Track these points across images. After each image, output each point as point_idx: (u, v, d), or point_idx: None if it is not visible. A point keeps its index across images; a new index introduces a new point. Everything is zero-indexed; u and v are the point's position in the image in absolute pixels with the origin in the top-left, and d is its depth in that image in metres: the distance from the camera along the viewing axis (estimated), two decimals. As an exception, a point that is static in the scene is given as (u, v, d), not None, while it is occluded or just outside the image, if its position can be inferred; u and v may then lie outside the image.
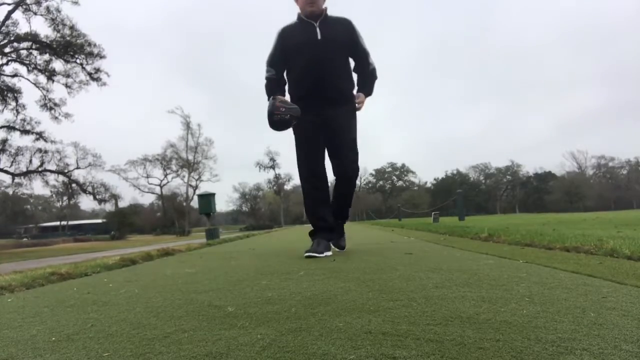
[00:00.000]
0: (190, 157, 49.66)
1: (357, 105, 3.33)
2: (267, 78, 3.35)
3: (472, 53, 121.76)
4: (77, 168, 33.13)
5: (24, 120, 24.69)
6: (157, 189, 52.73)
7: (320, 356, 0.90)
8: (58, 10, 22.75)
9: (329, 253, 3.13)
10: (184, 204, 50.44)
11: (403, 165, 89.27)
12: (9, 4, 22.09)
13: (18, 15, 23.49)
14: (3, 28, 22.11)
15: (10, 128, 24.65)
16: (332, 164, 3.32)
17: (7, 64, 23.16)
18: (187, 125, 49.52)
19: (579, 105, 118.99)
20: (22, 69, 23.84)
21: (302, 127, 3.19)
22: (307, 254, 2.98)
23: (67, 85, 24.44)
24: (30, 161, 26.94)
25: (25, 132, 25.00)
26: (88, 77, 24.69)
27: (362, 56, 3.30)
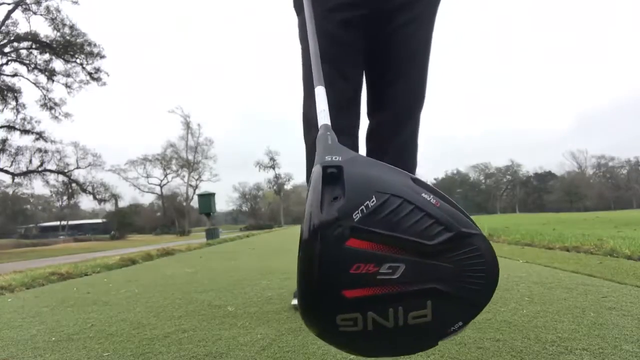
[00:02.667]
0: (190, 157, 49.75)
1: None
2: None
3: (477, 51, 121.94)
4: (77, 168, 33.22)
5: (24, 119, 24.77)
6: (157, 189, 52.84)
7: (320, 356, 0.90)
8: (58, 10, 22.80)
9: None
10: (184, 203, 50.50)
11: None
12: (8, 4, 22.13)
13: (18, 14, 23.55)
14: (3, 28, 22.15)
15: (10, 128, 24.71)
16: (372, 103, 1.55)
17: (7, 63, 23.21)
18: (187, 125, 49.59)
19: (587, 104, 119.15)
20: (22, 69, 23.92)
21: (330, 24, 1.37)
22: (296, 303, 1.42)
23: (67, 85, 24.50)
24: (30, 161, 27.01)
25: (25, 131, 25.05)
26: (88, 77, 24.76)
27: None
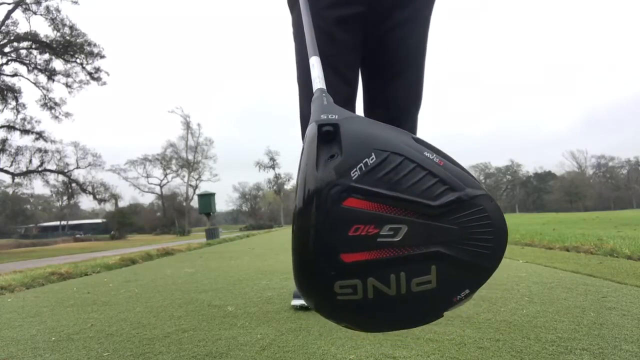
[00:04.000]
0: (190, 157, 49.77)
1: None
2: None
3: (477, 50, 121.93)
4: (77, 168, 33.27)
5: (24, 119, 24.80)
6: (157, 189, 52.88)
7: (320, 356, 0.90)
8: (58, 10, 22.82)
9: None
10: (184, 203, 50.53)
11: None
12: (8, 4, 22.14)
13: (18, 14, 23.57)
14: (3, 28, 22.16)
15: (10, 128, 24.73)
16: (368, 102, 1.54)
17: (7, 63, 23.23)
18: (187, 125, 49.60)
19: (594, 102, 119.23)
20: (22, 69, 23.94)
21: (325, 20, 1.34)
22: (296, 303, 1.45)
23: (67, 85, 24.53)
24: (30, 161, 27.04)
25: (25, 131, 25.08)
26: (88, 77, 24.79)
27: None
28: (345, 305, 0.53)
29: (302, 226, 0.53)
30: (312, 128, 0.58)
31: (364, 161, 0.53)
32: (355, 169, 0.52)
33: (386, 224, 0.52)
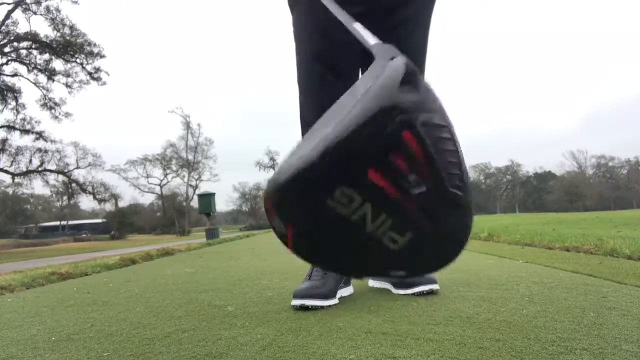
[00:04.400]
0: (190, 157, 49.75)
1: None
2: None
3: (476, 50, 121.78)
4: (77, 168, 33.31)
5: (24, 119, 24.82)
6: (157, 189, 52.90)
7: (320, 356, 0.90)
8: (58, 10, 22.84)
9: (348, 292, 1.61)
10: (184, 203, 50.53)
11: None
12: (8, 4, 22.14)
13: (18, 14, 23.60)
14: (3, 28, 22.16)
15: (10, 128, 24.74)
16: None
17: (7, 63, 23.24)
18: (187, 125, 49.59)
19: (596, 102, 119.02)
20: (22, 69, 23.98)
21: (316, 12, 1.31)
22: (296, 303, 1.40)
23: (67, 85, 24.54)
24: (30, 161, 27.08)
25: (25, 131, 25.10)
26: (88, 77, 24.81)
27: None
28: (323, 216, 0.53)
29: (361, 111, 0.50)
30: (398, 61, 0.56)
31: (430, 115, 0.53)
32: (424, 114, 0.52)
33: (416, 175, 0.52)
